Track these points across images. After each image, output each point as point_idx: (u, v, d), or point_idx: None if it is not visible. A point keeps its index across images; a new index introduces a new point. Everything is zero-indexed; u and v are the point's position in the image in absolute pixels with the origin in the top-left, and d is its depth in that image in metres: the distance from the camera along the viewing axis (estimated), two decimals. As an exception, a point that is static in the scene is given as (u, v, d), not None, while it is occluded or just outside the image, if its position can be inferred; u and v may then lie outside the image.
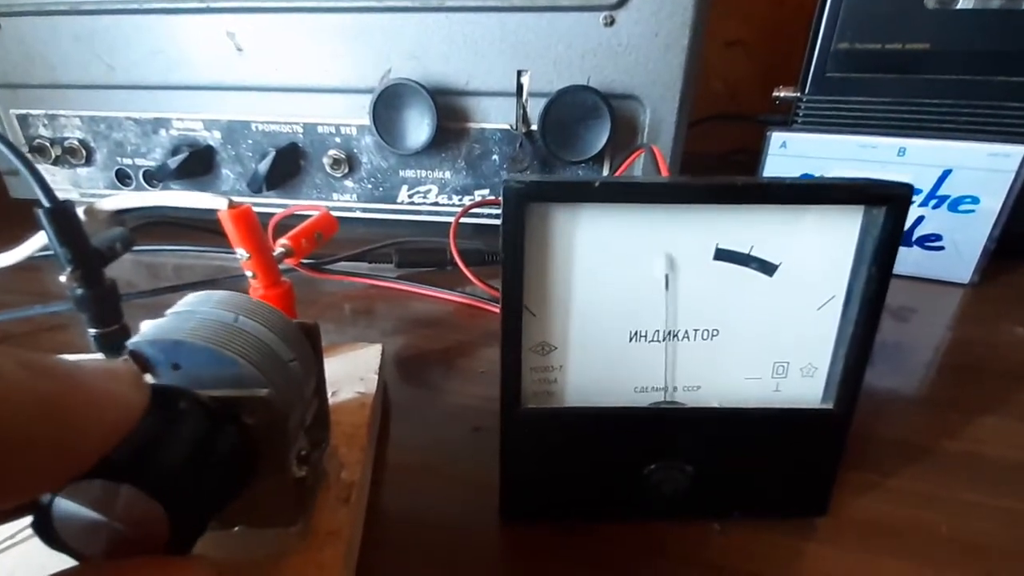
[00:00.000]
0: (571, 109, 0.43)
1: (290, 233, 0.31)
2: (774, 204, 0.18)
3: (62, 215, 0.22)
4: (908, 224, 0.43)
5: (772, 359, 0.20)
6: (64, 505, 0.12)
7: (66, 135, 0.53)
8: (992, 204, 0.40)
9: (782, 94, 0.50)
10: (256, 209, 0.25)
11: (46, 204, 0.22)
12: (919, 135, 0.41)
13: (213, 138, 0.50)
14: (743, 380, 0.20)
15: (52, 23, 0.49)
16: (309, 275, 0.42)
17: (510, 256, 0.18)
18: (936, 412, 0.29)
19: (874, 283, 0.18)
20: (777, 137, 0.45)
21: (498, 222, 0.50)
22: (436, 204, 0.50)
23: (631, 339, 0.19)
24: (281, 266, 0.28)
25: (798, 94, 0.48)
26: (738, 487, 0.21)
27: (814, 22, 0.46)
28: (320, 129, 0.48)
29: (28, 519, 0.12)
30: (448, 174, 0.48)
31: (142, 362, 0.14)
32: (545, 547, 0.21)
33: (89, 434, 0.11)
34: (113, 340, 0.25)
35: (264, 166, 0.48)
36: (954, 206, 0.41)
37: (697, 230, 0.18)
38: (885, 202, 0.17)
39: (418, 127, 0.44)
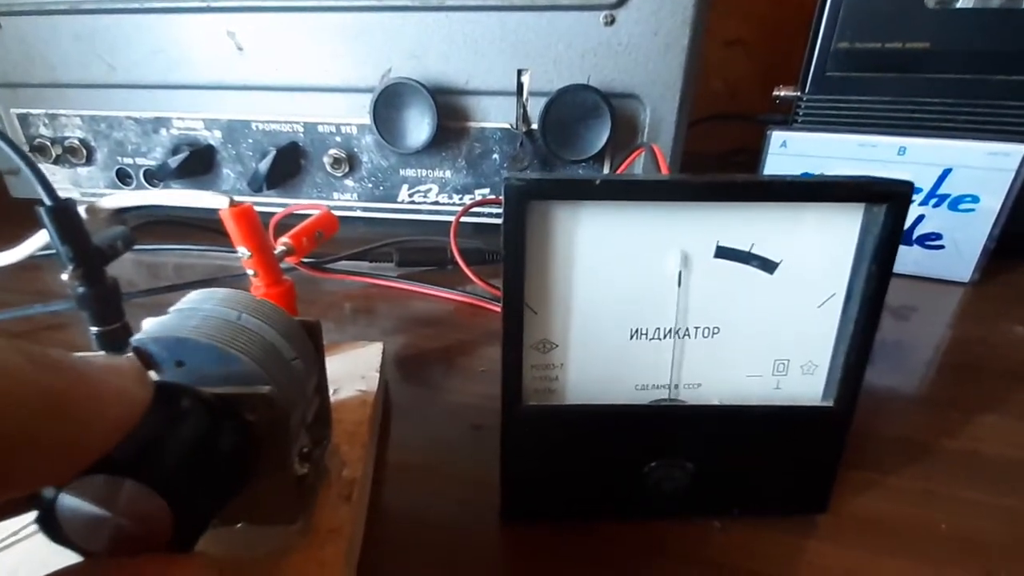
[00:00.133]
0: (571, 108, 0.43)
1: (291, 232, 0.31)
2: (774, 202, 0.18)
3: (64, 213, 0.22)
4: (908, 223, 0.43)
5: (773, 357, 0.20)
6: (68, 501, 0.12)
7: (67, 134, 0.53)
8: (992, 203, 0.40)
9: (782, 93, 0.50)
10: (256, 208, 0.25)
11: (48, 203, 0.22)
12: (919, 134, 0.41)
13: (214, 137, 0.50)
14: (744, 378, 0.20)
15: (52, 22, 0.49)
16: (310, 274, 0.42)
17: (511, 254, 0.18)
18: (936, 411, 0.29)
19: (874, 281, 0.18)
20: (777, 136, 0.45)
21: (498, 221, 0.50)
22: (436, 203, 0.50)
23: (631, 337, 0.19)
24: (282, 265, 0.28)
25: (798, 93, 0.48)
26: (738, 485, 0.21)
27: (814, 21, 0.46)
28: (320, 128, 0.48)
29: (32, 515, 0.12)
30: (448, 173, 0.48)
31: (146, 359, 0.15)
32: (545, 546, 0.21)
33: (93, 429, 0.11)
34: (114, 338, 0.25)
35: (265, 165, 0.48)
36: (954, 205, 0.41)
37: (698, 228, 0.18)
38: (886, 200, 0.17)
39: (418, 126, 0.45)
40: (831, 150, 0.44)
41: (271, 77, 0.47)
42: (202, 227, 0.50)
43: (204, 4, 0.45)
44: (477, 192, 0.49)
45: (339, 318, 0.39)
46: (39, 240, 0.26)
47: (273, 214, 0.39)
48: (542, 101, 0.43)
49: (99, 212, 0.23)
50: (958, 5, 0.42)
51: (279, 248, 0.28)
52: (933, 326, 0.39)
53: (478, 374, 0.32)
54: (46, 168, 0.55)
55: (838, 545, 0.21)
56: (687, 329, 0.19)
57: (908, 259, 0.43)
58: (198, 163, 0.50)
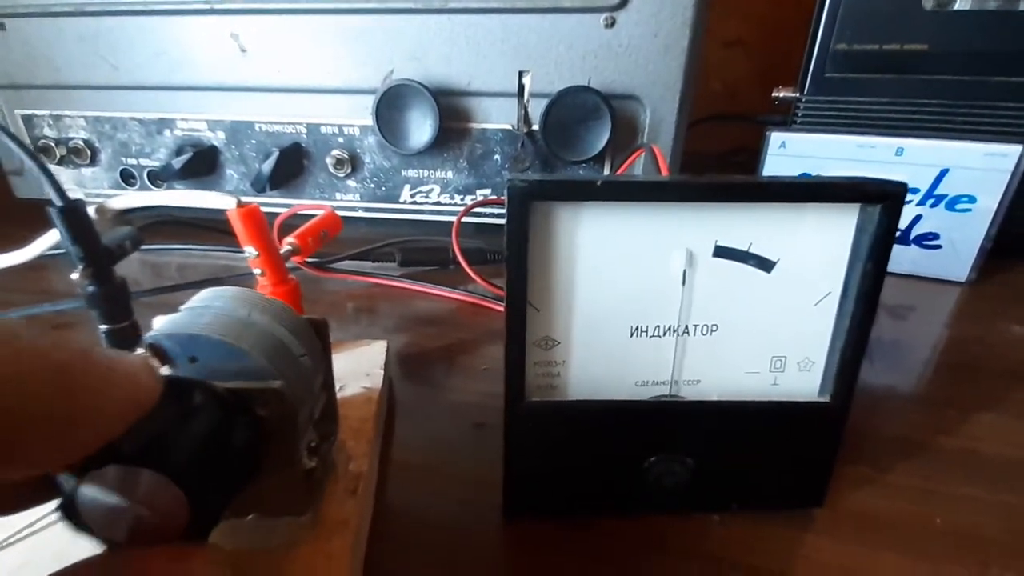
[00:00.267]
0: (572, 109, 0.43)
1: (296, 231, 0.31)
2: (772, 202, 0.18)
3: (74, 214, 0.23)
4: (906, 223, 0.43)
5: (770, 354, 0.20)
6: (88, 490, 0.12)
7: (71, 135, 0.53)
8: (989, 203, 0.40)
9: (781, 94, 0.50)
10: (266, 210, 0.25)
11: (59, 203, 0.23)
12: (917, 135, 0.42)
13: (217, 138, 0.51)
14: (742, 374, 0.20)
15: (57, 24, 0.49)
16: (313, 273, 0.42)
17: (514, 253, 0.18)
18: (933, 409, 0.29)
19: (869, 279, 0.18)
20: (776, 137, 0.45)
21: (500, 221, 0.50)
22: (438, 203, 0.50)
23: (632, 334, 0.20)
24: (287, 264, 0.29)
25: (797, 94, 0.49)
26: (737, 479, 0.21)
27: (813, 23, 0.47)
28: (323, 129, 0.49)
29: (46, 508, 0.13)
30: (450, 174, 0.49)
31: (160, 354, 0.15)
32: (547, 542, 0.21)
33: (103, 410, 0.11)
34: (123, 336, 0.25)
35: (268, 166, 0.48)
36: (951, 205, 0.42)
37: (697, 228, 0.19)
38: (880, 200, 0.17)
39: (421, 127, 0.45)
40: (830, 151, 0.44)
41: (274, 79, 0.48)
42: (205, 227, 0.50)
43: (208, 6, 0.46)
44: (479, 192, 0.49)
45: (342, 317, 0.39)
46: (48, 240, 0.27)
47: (276, 215, 0.39)
48: (543, 102, 0.44)
49: (108, 212, 0.24)
50: (955, 7, 0.43)
51: (285, 248, 0.29)
52: (930, 325, 0.39)
53: (480, 372, 0.32)
54: (51, 168, 0.55)
55: (835, 539, 0.21)
56: (687, 327, 0.20)
57: (905, 259, 0.44)
58: (202, 164, 0.51)
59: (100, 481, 0.12)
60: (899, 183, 0.17)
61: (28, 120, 0.54)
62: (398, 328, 0.38)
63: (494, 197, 0.48)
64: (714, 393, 0.21)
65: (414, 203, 0.51)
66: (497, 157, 0.47)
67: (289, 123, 0.49)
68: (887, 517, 0.22)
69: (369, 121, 0.46)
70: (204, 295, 0.17)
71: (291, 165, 0.50)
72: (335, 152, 0.49)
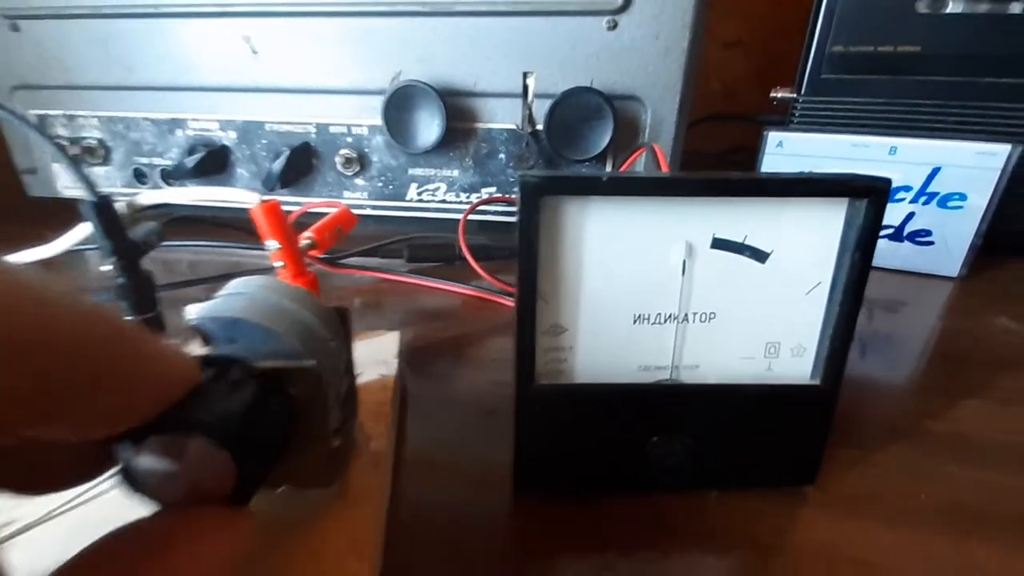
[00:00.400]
0: (575, 110, 0.45)
1: (314, 226, 0.33)
2: (765, 197, 0.20)
3: (106, 210, 0.24)
4: (899, 220, 0.45)
5: (765, 340, 0.21)
6: (146, 457, 0.13)
7: (84, 135, 0.55)
8: (979, 201, 0.42)
9: (779, 95, 0.52)
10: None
11: (92, 199, 0.24)
12: (910, 134, 0.43)
13: (228, 138, 0.52)
14: (738, 359, 0.22)
15: (71, 26, 0.51)
16: (324, 269, 0.43)
17: (525, 245, 0.19)
18: (922, 396, 0.31)
19: (856, 269, 0.20)
20: (773, 137, 0.47)
21: (504, 219, 0.52)
22: (444, 201, 0.51)
23: (635, 321, 0.21)
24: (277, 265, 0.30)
25: (794, 95, 0.50)
26: (734, 458, 0.23)
27: (809, 25, 0.48)
28: (332, 129, 0.50)
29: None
30: (456, 172, 0.50)
31: (204, 335, 0.16)
32: (555, 518, 0.22)
33: (164, 378, 0.12)
34: (149, 327, 0.26)
35: (278, 165, 0.49)
36: (943, 203, 0.43)
37: (696, 221, 0.20)
38: (866, 195, 0.19)
39: (428, 127, 0.46)
40: (825, 150, 0.45)
41: (285, 80, 0.49)
42: (213, 223, 0.51)
43: (221, 9, 0.47)
44: (484, 191, 0.50)
45: (352, 311, 0.40)
46: (78, 234, 0.28)
47: (287, 213, 0.40)
48: (547, 103, 0.45)
49: (137, 208, 0.25)
50: (947, 10, 0.44)
51: (303, 241, 0.30)
52: (922, 319, 0.41)
53: (487, 363, 0.33)
54: (64, 168, 0.56)
55: (826, 513, 0.22)
56: (687, 314, 0.21)
57: (899, 255, 0.45)
58: (213, 163, 0.52)
59: (157, 447, 0.13)
60: (884, 179, 0.18)
61: (42, 120, 0.55)
62: (405, 322, 0.39)
63: (499, 195, 0.50)
64: (712, 377, 0.22)
65: (420, 201, 0.52)
66: (502, 156, 0.49)
67: (299, 123, 0.50)
68: (875, 493, 0.23)
69: (377, 121, 0.47)
70: (237, 283, 0.18)
71: (301, 164, 0.51)
72: (344, 151, 0.50)
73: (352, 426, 0.21)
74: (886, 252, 0.45)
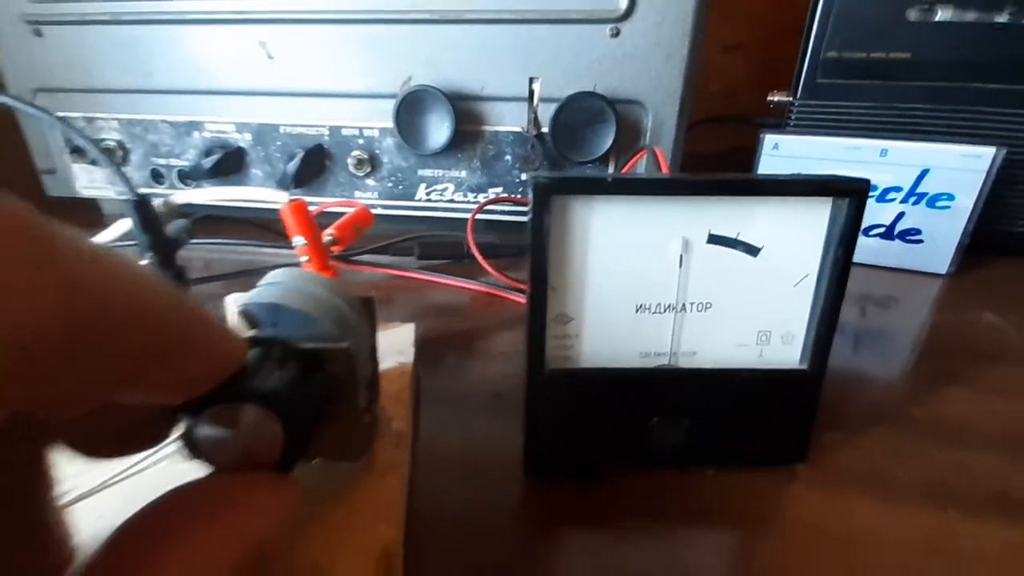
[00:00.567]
0: (579, 113, 0.47)
1: (335, 223, 0.34)
2: (757, 196, 0.21)
3: (145, 208, 0.26)
4: (890, 219, 0.46)
5: (756, 328, 0.23)
6: (206, 425, 0.15)
7: (104, 136, 0.56)
8: (966, 201, 0.44)
9: (776, 98, 0.53)
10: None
11: (133, 198, 0.26)
12: (900, 137, 0.45)
13: (244, 140, 0.54)
14: (732, 346, 0.23)
15: (93, 32, 0.53)
16: (338, 265, 0.45)
17: (536, 240, 0.21)
18: (908, 386, 0.32)
19: (840, 263, 0.21)
20: (770, 139, 0.48)
21: (510, 218, 0.53)
22: (452, 201, 0.53)
23: (637, 311, 0.23)
24: (302, 260, 0.31)
25: (791, 98, 0.52)
26: (729, 438, 0.24)
27: (805, 32, 0.50)
28: (344, 132, 0.52)
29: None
30: (464, 173, 0.52)
31: (250, 319, 0.18)
32: (563, 494, 0.24)
33: (227, 350, 0.14)
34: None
35: (292, 166, 0.51)
36: (932, 203, 0.45)
37: (693, 218, 0.22)
38: (848, 195, 0.20)
39: (438, 130, 0.48)
40: (819, 152, 0.47)
41: (299, 84, 0.51)
42: (236, 222, 0.53)
43: (238, 16, 0.49)
44: (491, 191, 0.52)
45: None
46: (117, 230, 0.30)
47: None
48: (552, 107, 0.47)
49: (173, 207, 0.27)
50: (937, 18, 0.46)
51: (326, 238, 0.32)
52: (911, 314, 0.43)
53: (496, 355, 0.35)
54: (84, 168, 0.58)
55: (814, 489, 0.24)
56: (684, 305, 0.23)
57: (890, 253, 0.47)
58: (229, 164, 0.54)
59: (216, 415, 0.15)
60: (863, 180, 0.20)
61: (63, 121, 0.57)
62: (416, 316, 0.40)
63: (506, 195, 0.52)
64: (708, 363, 0.24)
65: (429, 201, 0.54)
66: (508, 158, 0.51)
67: (313, 126, 0.52)
68: (860, 472, 0.25)
69: (388, 123, 0.49)
70: (276, 274, 0.20)
71: (314, 165, 0.53)
72: (355, 153, 0.52)
73: (376, 407, 0.23)
74: (878, 250, 0.47)
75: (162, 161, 0.56)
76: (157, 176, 0.57)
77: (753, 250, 0.22)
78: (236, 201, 0.29)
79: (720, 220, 0.22)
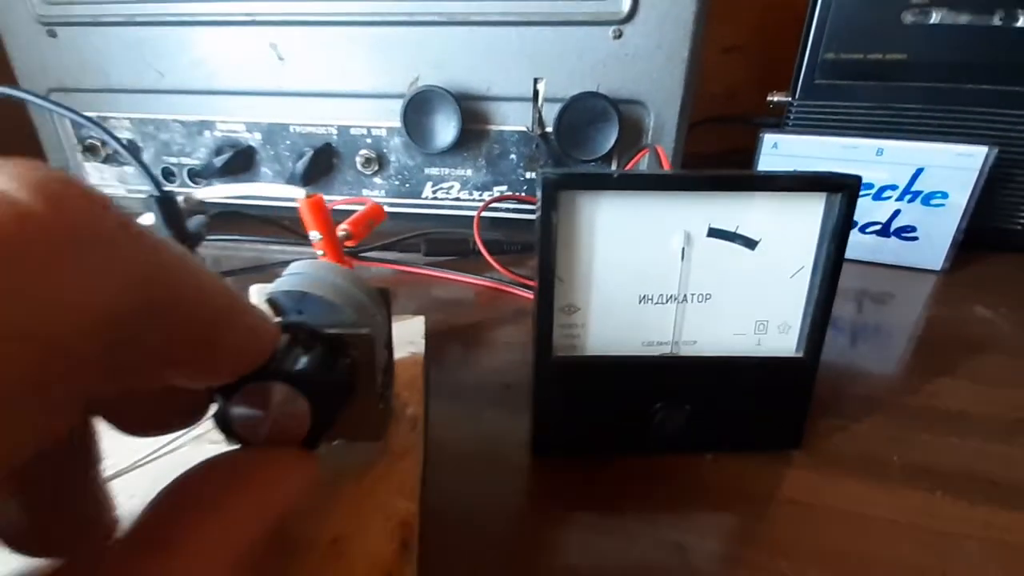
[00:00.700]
0: (582, 113, 0.48)
1: (349, 219, 0.36)
2: (755, 192, 0.22)
3: (170, 204, 0.27)
4: (887, 217, 0.48)
5: (754, 318, 0.24)
6: (239, 406, 0.16)
7: (116, 135, 0.58)
8: (960, 199, 0.45)
9: (775, 98, 0.55)
10: (294, 204, 0.29)
11: (156, 194, 0.27)
12: (895, 137, 0.46)
13: (254, 139, 0.55)
14: (731, 335, 0.25)
15: (106, 33, 0.54)
16: (350, 260, 0.46)
17: (545, 234, 0.22)
18: (901, 375, 0.34)
19: (833, 255, 0.22)
20: (769, 138, 0.50)
21: (515, 216, 0.55)
22: (458, 199, 0.54)
23: (640, 302, 0.24)
24: (319, 254, 0.33)
25: (789, 99, 0.53)
26: (728, 424, 0.25)
27: (803, 33, 0.51)
28: (353, 131, 0.53)
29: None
30: (470, 172, 0.53)
31: (278, 307, 0.19)
32: (567, 477, 0.25)
33: (265, 336, 0.15)
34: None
35: (301, 165, 0.52)
36: (926, 201, 0.46)
37: (694, 213, 0.23)
38: (840, 190, 0.22)
39: (445, 129, 0.49)
40: (817, 151, 0.48)
41: (308, 84, 0.52)
42: (240, 217, 0.54)
43: (249, 18, 0.50)
44: (495, 189, 0.53)
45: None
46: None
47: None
48: (556, 106, 0.48)
49: (194, 203, 0.28)
50: (931, 20, 0.47)
51: (340, 233, 0.33)
52: (907, 308, 0.44)
53: (501, 346, 0.36)
54: (96, 167, 0.60)
55: (809, 472, 0.25)
56: (686, 295, 0.24)
57: (886, 249, 0.48)
58: (239, 163, 0.55)
59: (248, 394, 0.16)
60: (855, 176, 0.21)
61: (76, 121, 0.58)
62: (425, 310, 0.41)
63: (511, 193, 0.53)
64: (708, 351, 0.25)
65: (435, 199, 0.55)
66: (513, 156, 0.52)
67: (321, 125, 0.53)
68: (854, 456, 0.26)
69: (395, 123, 0.50)
70: (298, 265, 0.21)
71: (322, 163, 0.54)
72: (363, 152, 0.53)
73: (391, 393, 0.24)
74: (874, 247, 0.48)
75: (173, 160, 0.58)
76: (168, 174, 0.58)
77: (751, 243, 0.23)
78: (253, 198, 0.30)
79: (719, 215, 0.23)
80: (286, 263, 0.28)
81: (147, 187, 0.59)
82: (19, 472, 0.11)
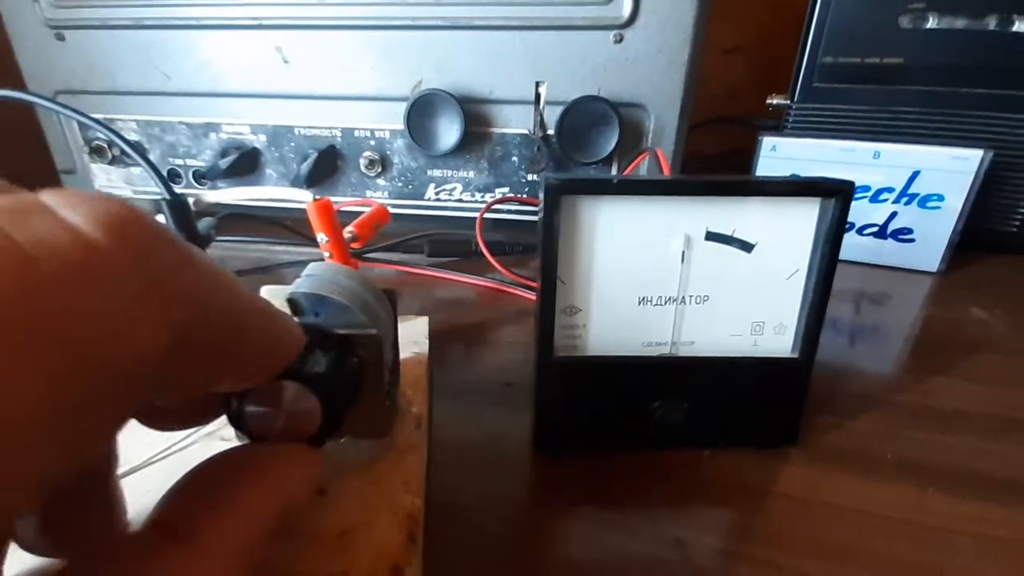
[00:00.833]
0: (584, 116, 0.48)
1: (355, 221, 0.36)
2: (751, 196, 0.23)
3: (181, 207, 0.28)
4: (883, 219, 0.48)
5: (751, 319, 0.25)
6: (253, 401, 0.17)
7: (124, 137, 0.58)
8: (955, 202, 0.45)
9: (774, 101, 0.55)
10: (299, 206, 0.30)
11: (168, 197, 0.28)
12: (892, 140, 0.47)
13: (259, 141, 0.56)
14: (728, 336, 0.25)
15: (114, 36, 0.54)
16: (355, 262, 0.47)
17: (547, 237, 0.23)
18: (897, 374, 0.34)
19: (827, 258, 0.23)
20: (768, 141, 0.50)
21: (516, 217, 0.55)
22: (460, 201, 0.55)
23: (640, 303, 0.25)
24: (325, 255, 0.33)
25: (788, 101, 0.54)
26: (725, 422, 0.26)
27: (802, 37, 0.51)
28: (357, 133, 0.54)
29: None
30: (472, 174, 0.54)
31: (296, 308, 0.20)
32: (567, 472, 0.26)
33: (286, 340, 0.16)
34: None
35: (306, 167, 0.53)
36: (923, 203, 0.46)
37: (693, 217, 0.23)
38: (833, 195, 0.22)
39: (447, 132, 0.50)
40: (816, 154, 0.49)
41: (313, 87, 0.53)
42: (244, 218, 0.55)
43: (255, 22, 0.51)
44: (497, 191, 0.54)
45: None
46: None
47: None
48: (557, 110, 0.49)
49: (204, 205, 0.29)
50: (928, 25, 0.47)
51: (346, 235, 0.34)
52: (904, 309, 0.44)
53: (503, 345, 0.37)
54: (103, 168, 0.60)
55: (805, 468, 0.26)
56: (684, 297, 0.25)
57: (883, 251, 0.49)
58: (244, 164, 0.55)
59: (262, 393, 0.17)
60: (848, 181, 0.22)
61: (83, 123, 0.59)
62: (427, 311, 0.42)
63: (513, 195, 0.53)
64: (706, 351, 0.25)
65: (438, 200, 0.55)
66: (515, 159, 0.52)
67: (326, 127, 0.54)
68: (847, 452, 0.27)
69: (399, 125, 0.51)
70: (314, 267, 0.22)
71: (327, 165, 0.55)
72: (367, 154, 0.54)
73: (396, 391, 0.25)
74: (871, 249, 0.48)
75: (179, 161, 0.58)
76: (174, 176, 0.59)
77: (747, 246, 0.24)
78: (261, 200, 0.31)
79: (717, 219, 0.23)
80: (291, 264, 0.29)
81: (153, 188, 0.61)
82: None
